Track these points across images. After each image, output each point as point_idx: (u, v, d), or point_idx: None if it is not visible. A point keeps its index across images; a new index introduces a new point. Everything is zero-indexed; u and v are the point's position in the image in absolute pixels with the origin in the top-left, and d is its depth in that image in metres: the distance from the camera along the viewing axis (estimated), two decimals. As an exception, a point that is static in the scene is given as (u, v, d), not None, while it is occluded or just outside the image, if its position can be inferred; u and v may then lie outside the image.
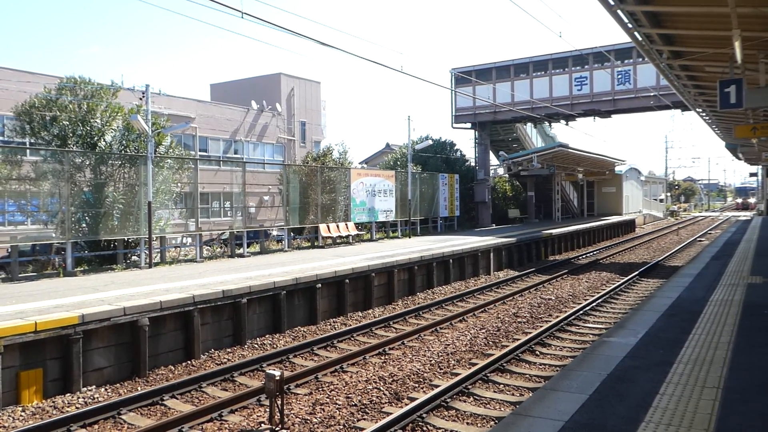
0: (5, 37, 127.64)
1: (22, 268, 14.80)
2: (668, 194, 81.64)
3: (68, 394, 8.49)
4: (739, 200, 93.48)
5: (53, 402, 8.21)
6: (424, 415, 7.34)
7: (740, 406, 4.83)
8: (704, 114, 21.36)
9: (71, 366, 8.59)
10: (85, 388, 8.71)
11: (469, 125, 35.98)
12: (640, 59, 28.17)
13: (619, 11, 9.26)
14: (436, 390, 7.94)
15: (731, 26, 8.86)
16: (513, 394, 8.29)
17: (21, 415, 7.72)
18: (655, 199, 67.11)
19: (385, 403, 7.91)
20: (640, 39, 10.73)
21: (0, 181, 14.44)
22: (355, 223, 23.78)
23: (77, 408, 7.98)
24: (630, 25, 9.88)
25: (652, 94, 28.79)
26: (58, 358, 8.60)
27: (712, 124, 24.46)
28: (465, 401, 7.99)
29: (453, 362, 9.80)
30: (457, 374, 9.00)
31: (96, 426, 7.42)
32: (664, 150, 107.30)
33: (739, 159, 43.77)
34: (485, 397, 8.10)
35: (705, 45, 11.14)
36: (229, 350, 10.89)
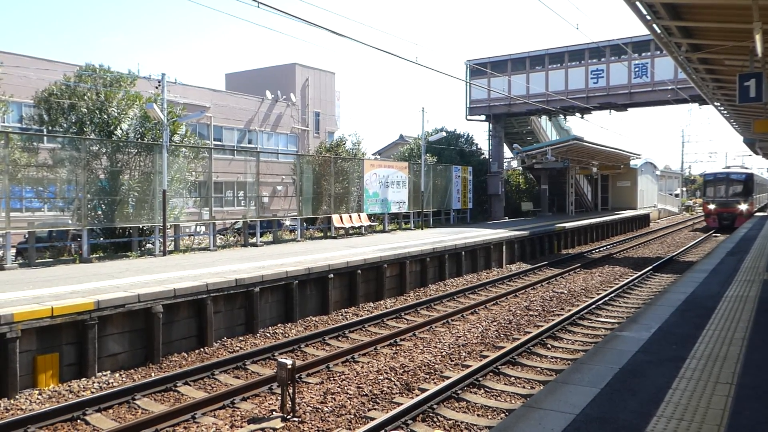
0: (33, 23, 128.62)
1: (39, 254, 15.01)
2: (684, 189, 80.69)
3: (83, 379, 8.62)
4: (712, 207, 35.57)
5: (69, 386, 8.34)
6: (435, 406, 7.37)
7: (754, 403, 4.80)
8: (722, 108, 21.05)
9: (86, 351, 8.72)
10: (100, 373, 8.84)
11: (483, 117, 35.80)
12: (658, 52, 27.81)
13: (637, 3, 9.13)
14: (447, 381, 7.97)
15: (752, 19, 8.70)
16: (524, 387, 8.29)
17: (38, 399, 7.86)
18: (671, 194, 66.42)
19: (396, 393, 7.95)
20: (658, 31, 10.58)
21: (18, 168, 14.61)
22: (368, 214, 23.81)
23: (92, 392, 8.10)
24: (648, 17, 9.74)
25: (669, 87, 28.41)
26: (73, 343, 8.73)
27: (730, 119, 24.10)
28: (476, 393, 8.01)
29: (464, 354, 9.81)
30: (468, 366, 9.02)
31: (111, 410, 7.54)
32: (681, 144, 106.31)
33: (758, 154, 43.23)
34: (496, 390, 8.11)
35: (725, 38, 10.97)
36: (241, 338, 10.98)
